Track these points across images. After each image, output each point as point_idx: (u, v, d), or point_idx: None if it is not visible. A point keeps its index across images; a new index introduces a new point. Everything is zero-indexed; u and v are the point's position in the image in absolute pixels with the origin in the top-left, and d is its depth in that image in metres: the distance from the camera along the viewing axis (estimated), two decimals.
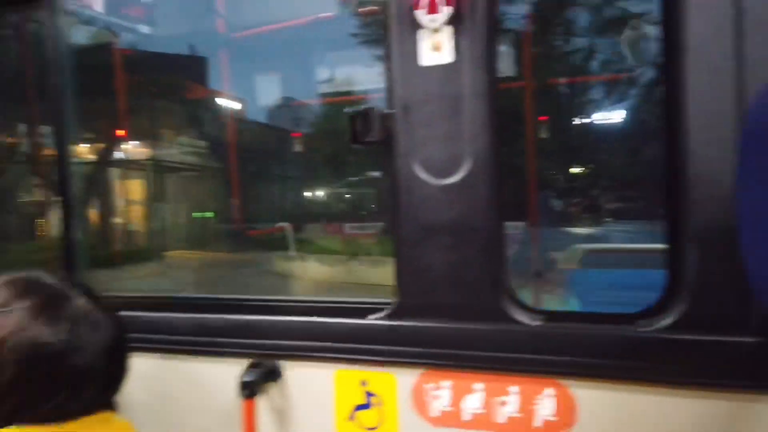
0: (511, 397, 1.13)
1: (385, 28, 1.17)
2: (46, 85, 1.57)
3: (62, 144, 1.57)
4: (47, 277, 1.06)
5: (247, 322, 1.30)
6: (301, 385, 1.27)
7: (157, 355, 1.36)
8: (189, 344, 1.33)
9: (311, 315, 1.27)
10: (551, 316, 1.14)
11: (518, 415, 1.12)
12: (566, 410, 1.09)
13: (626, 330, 1.06)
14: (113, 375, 1.07)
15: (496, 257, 1.14)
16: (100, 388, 1.04)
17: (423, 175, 1.16)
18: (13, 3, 1.62)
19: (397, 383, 1.20)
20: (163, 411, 1.36)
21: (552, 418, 1.10)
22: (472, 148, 1.13)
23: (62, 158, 1.58)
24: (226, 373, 1.30)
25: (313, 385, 1.26)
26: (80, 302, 1.03)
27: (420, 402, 1.18)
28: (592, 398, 1.08)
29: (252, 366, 1.27)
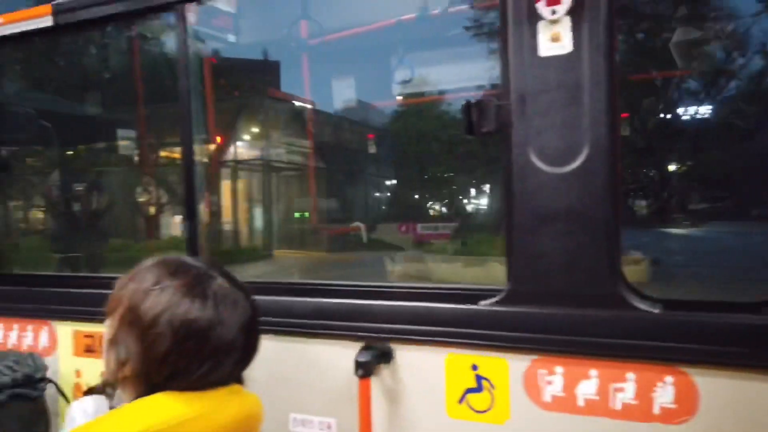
0: (627, 384, 1.13)
1: (503, 21, 1.21)
2: (177, 90, 1.69)
3: (188, 146, 1.69)
4: (191, 259, 1.17)
5: (361, 306, 1.36)
6: (413, 367, 1.32)
7: (276, 336, 1.45)
8: (305, 327, 1.42)
9: (422, 300, 1.32)
10: (670, 303, 1.13)
11: (635, 402, 1.12)
12: (687, 398, 1.09)
13: (751, 318, 1.05)
14: (248, 350, 1.16)
15: (613, 244, 1.15)
16: (237, 361, 1.13)
17: (539, 163, 1.19)
18: (145, 13, 1.77)
19: (509, 368, 1.23)
20: (279, 390, 1.45)
21: (671, 406, 1.10)
22: (591, 137, 1.15)
23: (188, 159, 1.70)
24: (340, 355, 1.37)
25: (424, 368, 1.31)
26: (221, 281, 1.12)
27: (532, 387, 1.21)
28: (716, 387, 1.07)
29: (365, 348, 1.33)
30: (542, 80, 1.19)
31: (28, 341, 1.84)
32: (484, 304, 1.26)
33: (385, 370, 1.34)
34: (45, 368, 1.60)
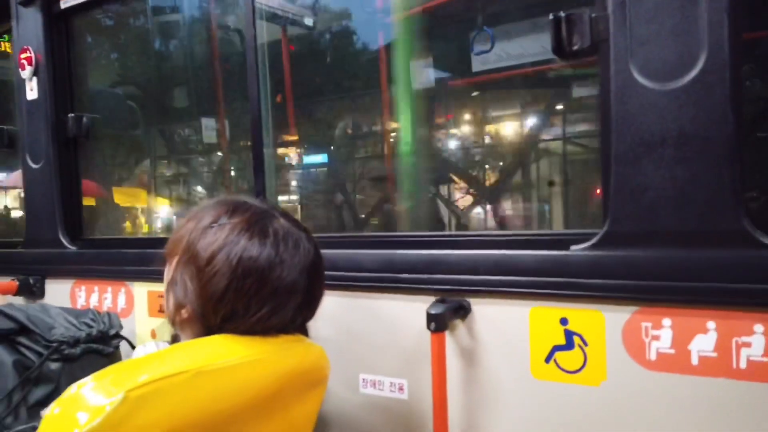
0: (756, 338, 0.93)
1: None
2: (246, 83, 1.65)
3: (258, 140, 1.64)
4: (251, 199, 1.09)
5: (434, 257, 1.24)
6: (492, 322, 1.18)
7: (343, 292, 1.35)
8: (374, 281, 1.31)
9: (502, 248, 1.18)
10: None
11: (765, 359, 0.92)
12: None
13: None
14: (310, 294, 1.07)
15: (735, 171, 0.95)
16: (299, 306, 1.04)
17: (643, 80, 1.01)
18: None
19: (605, 322, 1.06)
20: (348, 346, 1.36)
21: None
22: (707, 44, 0.96)
23: (257, 155, 1.65)
24: (412, 311, 1.26)
25: (505, 323, 1.16)
26: (282, 221, 1.04)
27: (634, 343, 1.03)
28: None
29: (439, 301, 1.21)
30: None
31: (108, 303, 1.87)
32: (575, 249, 1.09)
33: (460, 326, 1.21)
34: (119, 326, 1.60)
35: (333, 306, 1.36)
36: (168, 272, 1.07)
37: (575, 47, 1.09)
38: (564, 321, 1.10)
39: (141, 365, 0.85)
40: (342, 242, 1.40)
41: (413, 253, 1.27)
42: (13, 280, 2.04)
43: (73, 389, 0.77)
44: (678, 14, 0.98)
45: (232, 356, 0.92)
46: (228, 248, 0.98)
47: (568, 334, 1.09)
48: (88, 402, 0.75)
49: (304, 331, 1.13)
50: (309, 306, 1.08)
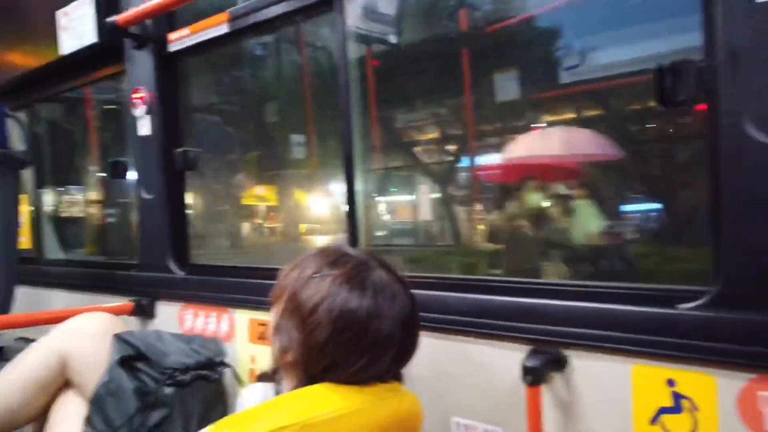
0: None
1: None
2: (336, 94, 1.71)
3: (348, 146, 1.69)
4: (351, 249, 1.14)
5: (529, 305, 1.23)
6: (592, 378, 1.15)
7: (436, 333, 1.37)
8: (466, 325, 1.32)
9: (603, 301, 1.15)
10: None
11: None
12: None
13: None
14: (406, 346, 1.10)
15: None
16: (395, 357, 1.07)
17: (757, 134, 0.95)
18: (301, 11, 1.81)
19: (717, 388, 1.00)
20: (441, 388, 1.37)
21: None
22: None
23: (348, 165, 1.70)
24: (505, 358, 1.25)
25: (606, 380, 1.13)
26: (381, 273, 1.08)
27: (751, 413, 0.97)
28: None
29: (536, 352, 1.19)
30: (761, 31, 0.95)
31: (212, 327, 1.99)
32: (683, 308, 1.04)
33: (557, 378, 1.19)
34: (225, 353, 1.70)
35: (427, 347, 1.37)
36: (274, 317, 1.13)
37: (681, 98, 1.05)
38: (671, 383, 1.05)
39: (254, 418, 0.91)
40: (435, 284, 1.42)
41: (507, 300, 1.26)
42: (129, 301, 2.22)
43: None
44: None
45: (333, 408, 0.96)
46: (329, 300, 1.03)
47: (676, 397, 1.05)
48: None
49: (399, 377, 1.15)
50: (404, 356, 1.11)
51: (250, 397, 1.24)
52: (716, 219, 1.03)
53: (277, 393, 1.16)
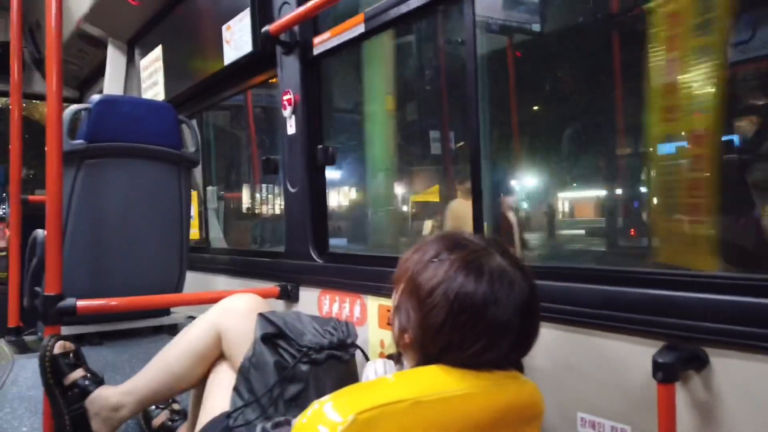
0: None
1: None
2: (464, 88, 1.72)
3: (476, 147, 1.70)
4: (471, 235, 1.15)
5: (662, 298, 1.14)
6: (735, 378, 1.04)
7: (560, 325, 1.33)
8: (592, 317, 1.26)
9: (748, 294, 1.03)
10: None
11: None
12: None
13: None
14: (525, 334, 1.09)
15: None
16: (513, 344, 1.07)
17: None
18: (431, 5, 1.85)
19: None
20: (565, 382, 1.33)
21: None
22: None
23: (475, 162, 1.71)
24: (636, 353, 1.18)
25: (753, 382, 1.02)
26: (499, 260, 1.08)
27: None
28: None
29: (669, 348, 1.11)
30: None
31: (346, 312, 2.12)
32: None
33: (695, 378, 1.10)
34: (355, 335, 1.80)
35: (550, 339, 1.34)
36: (395, 298, 1.19)
37: None
38: None
39: (370, 390, 0.97)
40: (560, 274, 1.37)
41: (638, 291, 1.19)
42: (276, 286, 2.43)
43: (316, 405, 0.91)
44: None
45: (447, 388, 0.99)
46: (446, 284, 1.05)
47: None
48: (328, 418, 0.88)
49: (520, 367, 1.14)
50: (523, 344, 1.10)
51: (373, 371, 1.30)
52: None
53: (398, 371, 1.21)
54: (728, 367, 1.05)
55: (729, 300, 1.05)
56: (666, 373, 1.06)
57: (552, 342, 1.33)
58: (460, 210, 5.18)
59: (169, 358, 1.73)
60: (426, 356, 1.08)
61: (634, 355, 1.18)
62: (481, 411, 1.00)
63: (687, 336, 1.10)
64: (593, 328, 1.27)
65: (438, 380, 1.00)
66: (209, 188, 4.40)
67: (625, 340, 1.20)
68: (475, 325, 1.03)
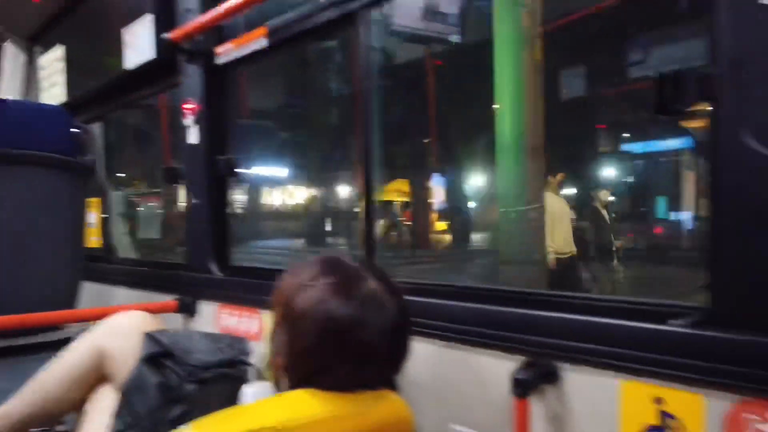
0: None
1: None
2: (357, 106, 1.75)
3: (368, 164, 1.73)
4: (349, 260, 1.18)
5: (525, 316, 1.22)
6: (581, 392, 1.13)
7: (435, 341, 1.38)
8: (466, 333, 1.32)
9: (597, 314, 1.12)
10: None
11: None
12: None
13: None
14: (394, 355, 1.12)
15: None
16: (382, 365, 1.10)
17: (757, 146, 0.91)
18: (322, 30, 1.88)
19: (704, 408, 0.96)
20: (441, 396, 1.38)
21: None
22: None
23: (368, 179, 1.74)
24: (500, 369, 1.24)
25: (595, 395, 1.10)
26: (372, 284, 1.11)
27: None
28: None
29: (527, 364, 1.18)
30: (765, 38, 0.91)
31: (244, 327, 2.10)
32: (674, 325, 1.01)
33: (550, 391, 1.17)
34: (249, 352, 1.79)
35: (429, 354, 1.39)
36: (271, 321, 1.19)
37: (681, 106, 1.01)
38: (659, 400, 1.02)
39: (233, 418, 0.97)
40: (438, 292, 1.43)
41: (505, 310, 1.26)
42: (175, 299, 2.37)
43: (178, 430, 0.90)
44: None
45: (312, 412, 1.00)
46: (316, 308, 1.07)
47: (664, 416, 1.01)
48: None
49: (393, 385, 1.18)
50: (393, 365, 1.14)
51: (249, 394, 1.30)
52: (714, 233, 0.98)
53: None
54: (576, 381, 1.13)
55: (580, 319, 1.13)
56: (522, 389, 1.13)
57: (429, 357, 1.38)
58: (554, 206, 5.00)
59: (46, 380, 1.64)
60: (297, 380, 1.09)
61: (499, 370, 1.24)
62: None
63: (545, 352, 1.17)
64: (466, 344, 1.33)
65: (304, 405, 1.02)
66: (116, 193, 4.22)
67: (493, 355, 1.27)
68: (342, 348, 1.05)
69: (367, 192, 1.73)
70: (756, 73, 0.92)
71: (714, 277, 0.96)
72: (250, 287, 2.10)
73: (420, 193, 14.96)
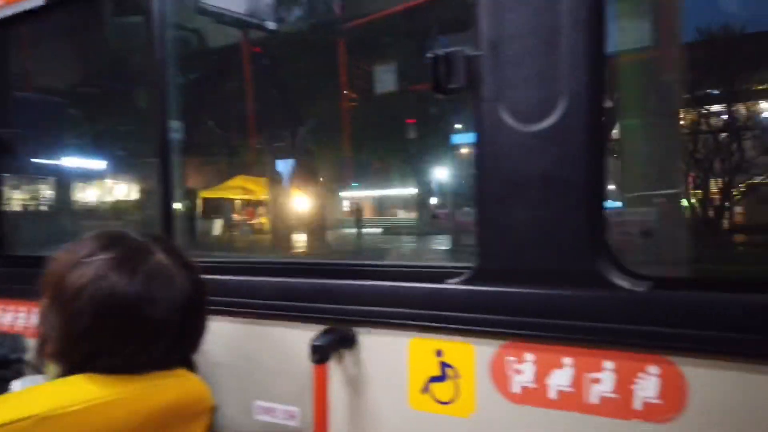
0: (605, 374, 0.97)
1: None
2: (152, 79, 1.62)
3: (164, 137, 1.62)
4: (133, 233, 1.09)
5: (324, 286, 1.25)
6: (376, 353, 1.20)
7: (238, 318, 1.36)
8: (269, 308, 1.32)
9: (389, 280, 1.20)
10: (659, 281, 0.96)
11: (614, 395, 0.96)
12: (674, 392, 0.91)
13: (754, 297, 0.87)
14: (187, 332, 1.07)
15: (594, 213, 0.99)
16: (173, 344, 1.04)
17: (510, 121, 1.04)
18: None
19: (475, 354, 1.08)
20: (244, 373, 1.36)
21: (656, 401, 0.93)
22: (568, 87, 0.99)
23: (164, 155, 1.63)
24: (303, 339, 1.27)
25: (388, 354, 1.18)
26: (159, 257, 1.04)
27: (500, 376, 1.06)
28: (709, 378, 0.89)
29: (326, 331, 1.22)
30: (516, 24, 1.04)
31: (21, 322, 1.84)
32: (449, 283, 1.12)
33: (347, 356, 1.23)
34: (24, 350, 1.58)
35: (229, 332, 1.37)
36: (40, 305, 1.07)
37: (452, 85, 1.11)
38: (439, 353, 1.12)
39: None
40: (235, 268, 1.40)
41: (306, 281, 1.28)
42: None
43: None
44: (542, 59, 1.01)
45: (87, 397, 0.92)
46: (94, 285, 0.98)
47: (443, 366, 1.12)
48: None
49: (189, 364, 1.13)
50: (187, 342, 1.09)
51: (15, 388, 1.16)
52: (479, 199, 1.10)
53: None
54: (372, 344, 1.20)
55: (373, 285, 1.20)
56: (320, 355, 1.17)
57: (230, 334, 1.35)
58: None
59: None
60: (70, 366, 0.99)
61: (300, 341, 1.27)
62: (129, 416, 0.95)
63: (343, 319, 1.22)
64: (268, 319, 1.33)
65: (77, 390, 0.92)
66: None
67: (293, 327, 1.29)
68: (125, 327, 0.98)
69: (164, 175, 1.62)
70: (509, 55, 1.05)
71: (480, 239, 1.09)
72: (25, 278, 1.85)
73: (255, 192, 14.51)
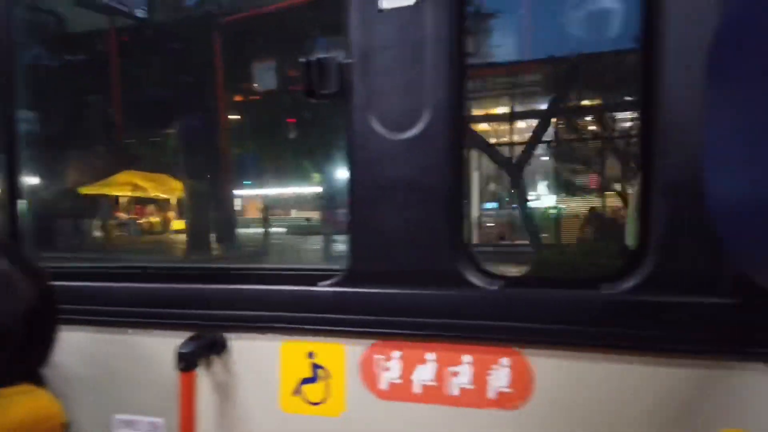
0: (463, 368, 1.04)
1: None
2: None
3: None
4: None
5: (189, 291, 1.21)
6: (246, 357, 1.18)
7: (95, 327, 1.27)
8: (127, 316, 1.25)
9: (259, 283, 1.19)
10: (512, 280, 1.05)
11: (471, 386, 1.04)
12: (522, 381, 1.01)
13: (588, 294, 0.98)
14: (33, 343, 0.99)
15: (454, 217, 1.06)
16: (16, 357, 0.96)
17: (379, 128, 1.08)
18: None
19: (345, 355, 1.11)
20: (102, 385, 1.28)
21: (507, 390, 1.02)
22: (432, 99, 1.04)
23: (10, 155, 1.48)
24: (168, 347, 1.21)
25: (259, 358, 1.17)
26: (2, 265, 0.95)
27: (369, 374, 1.10)
28: (551, 367, 1.00)
29: (193, 338, 1.18)
30: (383, 36, 1.08)
31: None
32: (321, 286, 1.13)
33: (217, 363, 1.20)
34: None
35: (86, 342, 1.27)
36: None
37: (324, 91, 1.13)
38: (311, 354, 1.13)
39: None
40: (91, 274, 1.31)
41: (169, 286, 1.23)
42: None
43: None
44: (407, 71, 1.06)
45: None
46: None
47: (315, 368, 1.13)
48: None
49: (36, 378, 1.04)
50: (32, 355, 1.00)
51: None
52: (351, 205, 1.13)
53: None
54: (243, 349, 1.18)
55: (244, 289, 1.18)
56: (186, 362, 1.13)
57: (87, 345, 1.26)
58: None
59: None
60: None
61: (165, 349, 1.21)
62: None
63: (212, 324, 1.19)
64: (129, 327, 1.25)
65: None
66: None
67: (158, 335, 1.23)
68: None
69: (9, 171, 1.47)
70: (379, 65, 1.09)
71: (352, 241, 1.12)
72: None
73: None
